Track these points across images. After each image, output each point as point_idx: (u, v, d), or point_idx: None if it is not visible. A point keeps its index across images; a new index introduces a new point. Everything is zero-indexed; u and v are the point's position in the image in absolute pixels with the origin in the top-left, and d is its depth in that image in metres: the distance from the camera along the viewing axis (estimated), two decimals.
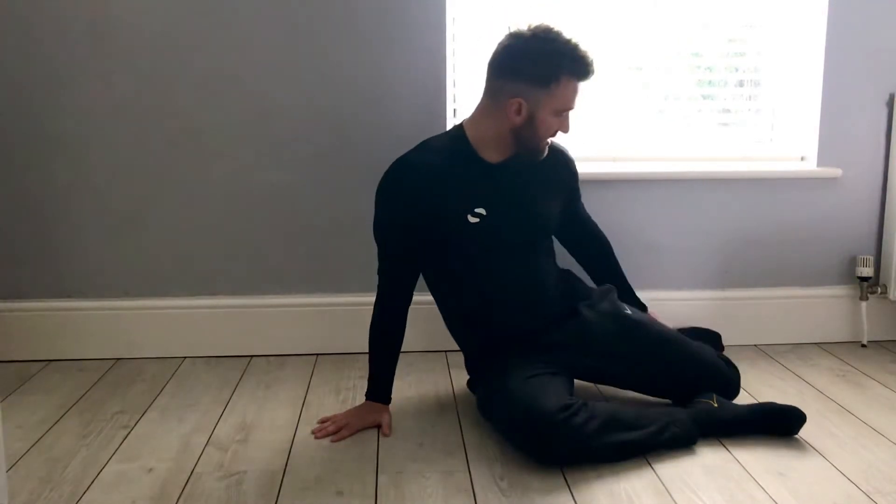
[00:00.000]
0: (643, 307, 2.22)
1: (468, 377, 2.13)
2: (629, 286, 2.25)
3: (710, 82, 2.64)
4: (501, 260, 1.99)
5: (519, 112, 1.89)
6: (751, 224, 2.59)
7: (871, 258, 2.59)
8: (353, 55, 2.41)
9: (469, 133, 1.97)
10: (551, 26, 1.89)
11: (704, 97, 2.64)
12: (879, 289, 2.61)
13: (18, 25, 2.34)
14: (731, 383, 2.06)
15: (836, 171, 2.57)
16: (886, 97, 2.56)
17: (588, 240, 2.27)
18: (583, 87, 1.92)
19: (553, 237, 2.15)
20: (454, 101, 2.50)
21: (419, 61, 2.43)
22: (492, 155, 1.97)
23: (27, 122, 2.39)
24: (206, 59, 2.39)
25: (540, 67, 1.86)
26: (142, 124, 2.41)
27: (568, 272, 2.20)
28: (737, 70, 2.63)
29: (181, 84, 2.40)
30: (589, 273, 2.28)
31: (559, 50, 1.86)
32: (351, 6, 2.39)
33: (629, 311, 2.11)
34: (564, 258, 2.24)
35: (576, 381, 2.07)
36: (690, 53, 2.60)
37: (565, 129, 1.95)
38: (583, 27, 2.45)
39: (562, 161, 2.10)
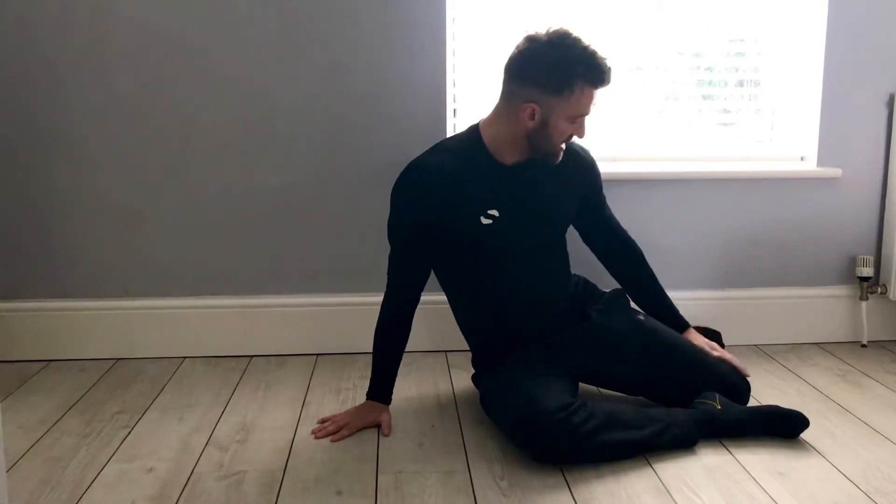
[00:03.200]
0: (684, 325, 2.15)
1: (473, 372, 2.14)
2: (667, 301, 2.18)
3: (710, 82, 2.64)
4: (513, 261, 2.00)
5: (532, 117, 1.88)
6: (751, 224, 2.59)
7: (871, 258, 2.59)
8: (352, 55, 2.41)
9: (484, 134, 1.97)
10: (569, 31, 1.87)
11: (705, 97, 2.64)
12: (879, 289, 2.61)
13: (19, 25, 2.34)
14: (740, 393, 2.04)
15: (836, 171, 2.57)
16: (886, 97, 2.56)
17: (618, 250, 2.20)
18: (598, 93, 1.90)
19: (565, 240, 2.13)
20: (454, 101, 2.50)
21: (419, 61, 2.43)
22: (506, 156, 1.96)
23: (27, 122, 2.39)
24: (206, 60, 2.39)
25: (554, 74, 1.84)
26: (142, 124, 2.41)
27: (581, 277, 2.20)
28: (737, 70, 2.63)
29: (181, 84, 2.40)
30: (624, 287, 2.21)
31: (575, 57, 1.84)
32: (351, 6, 2.39)
33: (641, 317, 2.11)
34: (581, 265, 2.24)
35: (581, 384, 2.07)
36: (690, 53, 2.60)
37: (581, 134, 1.94)
38: (583, 27, 2.44)
39: (579, 162, 2.08)
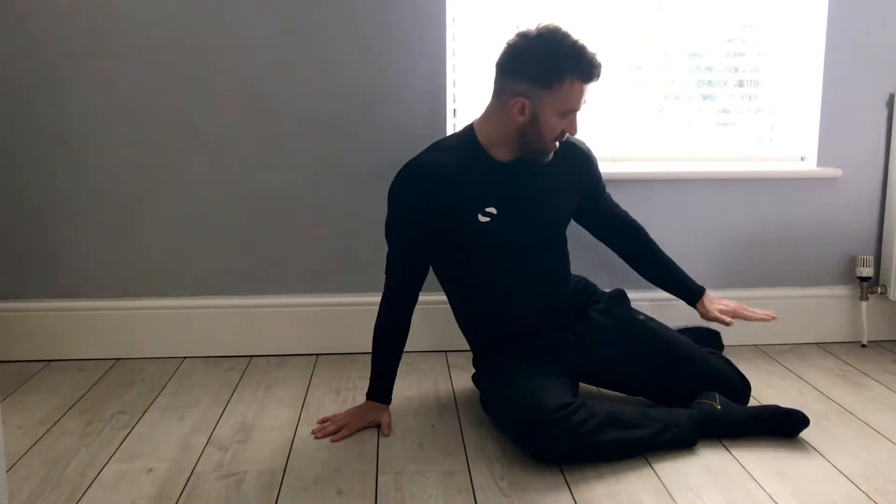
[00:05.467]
0: (699, 291, 2.18)
1: (473, 371, 2.14)
2: (680, 273, 2.20)
3: (710, 82, 2.64)
4: (512, 258, 2.00)
5: (522, 112, 1.88)
6: (751, 224, 2.59)
7: (871, 258, 2.59)
8: (353, 55, 2.41)
9: (478, 133, 1.97)
10: (559, 27, 1.87)
11: (704, 97, 2.64)
12: (879, 289, 2.61)
13: (19, 25, 2.34)
14: (740, 393, 2.04)
15: (836, 171, 2.57)
16: (886, 97, 2.56)
17: (622, 232, 2.21)
18: (590, 88, 1.89)
19: (566, 235, 2.13)
20: (454, 100, 2.50)
21: (419, 61, 2.43)
22: (502, 154, 1.96)
23: (27, 122, 2.39)
24: (206, 59, 2.39)
25: (544, 68, 1.84)
26: (142, 124, 2.41)
27: (581, 277, 2.20)
28: (737, 70, 2.63)
29: (181, 84, 2.40)
30: (636, 268, 2.23)
31: (564, 51, 1.84)
32: (351, 6, 2.39)
33: (642, 317, 2.11)
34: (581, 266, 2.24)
35: (581, 384, 2.07)
36: (690, 53, 2.60)
37: (573, 131, 1.93)
38: (583, 26, 2.44)
39: (576, 156, 2.07)
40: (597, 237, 2.24)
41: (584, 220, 2.20)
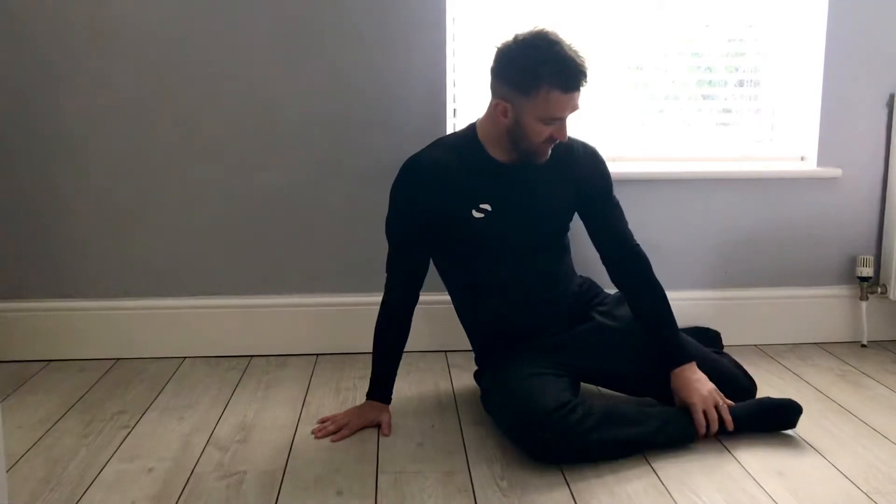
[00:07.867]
0: (677, 363, 1.96)
1: (476, 368, 2.14)
2: (672, 331, 1.99)
3: (710, 82, 2.64)
4: (510, 258, 2.00)
5: (505, 115, 1.88)
6: (751, 224, 2.59)
7: (871, 258, 2.59)
8: (352, 55, 2.41)
9: (479, 132, 1.98)
10: (548, 33, 1.84)
11: (704, 97, 2.64)
12: (879, 289, 2.61)
13: (18, 25, 2.34)
14: (747, 393, 2.04)
15: (836, 171, 2.57)
16: (886, 97, 2.56)
17: (620, 268, 2.07)
18: (577, 96, 1.84)
19: (568, 240, 2.11)
20: (454, 101, 2.50)
21: (419, 61, 2.43)
22: (501, 153, 1.96)
23: (27, 123, 2.39)
24: (205, 59, 2.39)
25: (521, 74, 1.83)
26: (142, 124, 2.41)
27: (586, 278, 2.19)
28: (737, 70, 2.63)
29: (181, 84, 2.40)
30: (630, 306, 2.07)
31: (543, 59, 1.81)
32: (351, 6, 2.39)
33: None
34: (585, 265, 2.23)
35: (582, 383, 2.06)
36: (690, 53, 2.60)
37: (561, 137, 1.90)
38: (583, 27, 2.45)
39: (578, 161, 2.04)
40: (602, 261, 2.11)
41: (591, 236, 2.10)
